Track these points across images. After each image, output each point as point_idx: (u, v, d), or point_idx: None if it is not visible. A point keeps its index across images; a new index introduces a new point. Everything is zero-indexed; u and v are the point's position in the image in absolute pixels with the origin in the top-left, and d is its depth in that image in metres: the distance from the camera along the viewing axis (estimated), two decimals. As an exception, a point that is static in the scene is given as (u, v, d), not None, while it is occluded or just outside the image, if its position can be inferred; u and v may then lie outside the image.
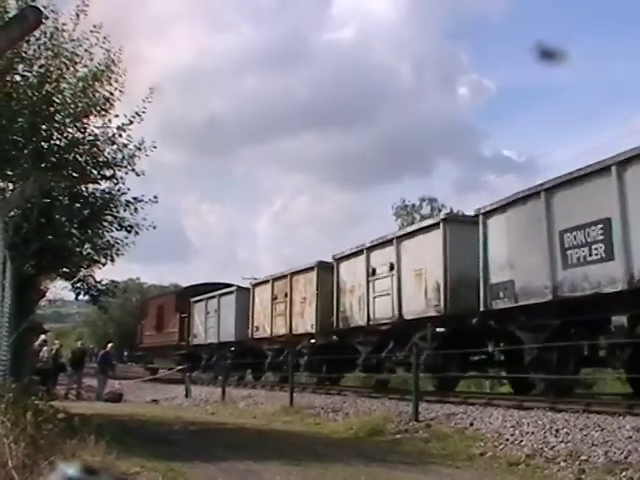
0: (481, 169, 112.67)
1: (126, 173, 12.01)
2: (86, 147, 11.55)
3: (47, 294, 15.01)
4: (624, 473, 7.12)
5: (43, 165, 10.86)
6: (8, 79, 10.72)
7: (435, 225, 14.66)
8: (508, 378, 14.97)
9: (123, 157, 11.84)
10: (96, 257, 12.67)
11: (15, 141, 10.72)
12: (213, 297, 26.76)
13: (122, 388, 23.54)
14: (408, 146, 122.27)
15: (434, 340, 14.17)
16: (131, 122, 11.66)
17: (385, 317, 15.97)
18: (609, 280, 10.24)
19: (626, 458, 7.53)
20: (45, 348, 21.28)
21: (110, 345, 24.17)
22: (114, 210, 12.18)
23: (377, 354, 16.19)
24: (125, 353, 48.17)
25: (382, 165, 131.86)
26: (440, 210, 35.73)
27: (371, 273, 16.59)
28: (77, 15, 11.18)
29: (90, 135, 11.61)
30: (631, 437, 8.05)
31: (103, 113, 11.50)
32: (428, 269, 14.51)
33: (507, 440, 9.25)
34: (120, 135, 11.68)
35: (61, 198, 11.61)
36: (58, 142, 11.30)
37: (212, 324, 26.63)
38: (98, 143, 11.64)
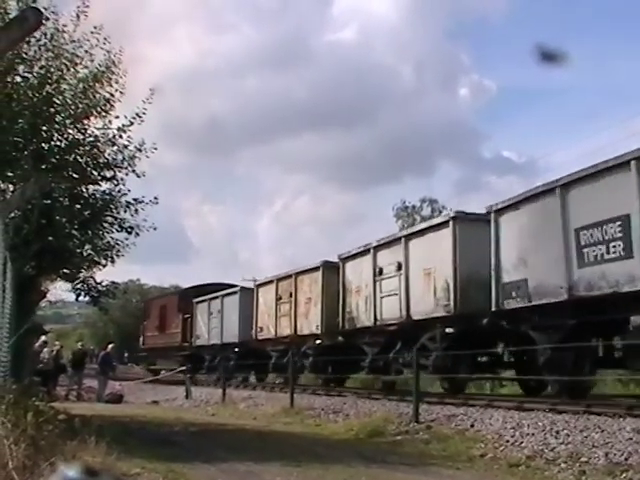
0: (482, 170, 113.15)
1: (127, 174, 12.03)
2: (87, 148, 11.56)
3: (48, 295, 14.98)
4: (624, 475, 7.12)
5: (43, 166, 10.86)
6: (9, 80, 10.72)
7: (445, 223, 14.35)
8: (520, 379, 14.62)
9: (124, 158, 11.85)
10: (96, 258, 12.69)
11: (15, 142, 10.72)
12: (216, 297, 26.57)
13: (123, 389, 23.51)
14: (409, 146, 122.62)
15: (443, 341, 13.90)
16: (132, 123, 11.67)
17: (392, 317, 15.70)
18: (628, 279, 9.91)
19: (626, 460, 7.53)
20: (46, 349, 21.27)
21: (111, 346, 24.15)
22: (114, 211, 12.18)
23: (384, 355, 15.93)
24: (125, 354, 48.21)
25: (383, 165, 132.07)
26: (440, 211, 35.65)
27: (378, 273, 16.32)
28: (77, 16, 11.20)
29: (91, 136, 11.61)
30: (631, 439, 8.04)
31: (104, 114, 11.51)
32: (437, 268, 14.22)
33: (507, 441, 9.25)
34: (121, 136, 11.69)
35: (61, 199, 11.62)
36: (58, 143, 11.30)
37: (215, 325, 26.46)
38: (99, 144, 11.64)
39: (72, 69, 11.18)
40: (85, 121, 11.44)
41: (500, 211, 12.76)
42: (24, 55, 10.73)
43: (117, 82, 11.54)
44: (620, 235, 10.05)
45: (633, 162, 9.87)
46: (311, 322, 19.48)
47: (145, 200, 12.29)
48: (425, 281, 14.60)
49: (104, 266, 12.90)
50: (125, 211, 12.18)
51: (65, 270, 12.96)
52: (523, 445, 8.95)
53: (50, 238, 11.32)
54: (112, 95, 11.50)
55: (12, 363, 8.47)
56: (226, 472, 7.67)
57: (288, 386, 16.88)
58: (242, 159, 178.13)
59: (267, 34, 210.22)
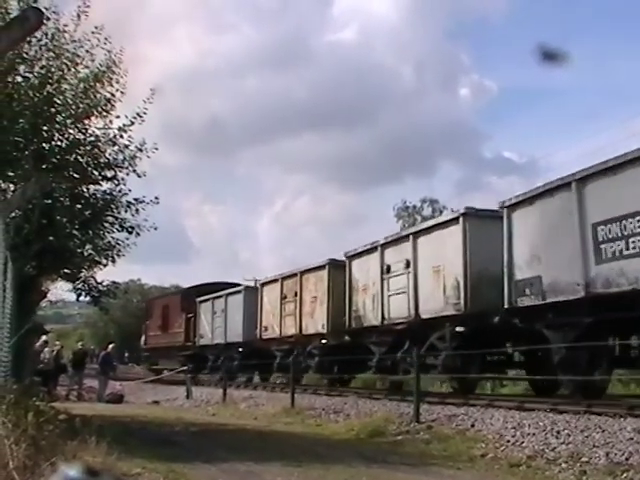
0: (482, 170, 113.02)
1: (127, 174, 12.06)
2: (87, 148, 11.58)
3: (48, 295, 15.00)
4: (625, 475, 7.11)
5: (44, 166, 10.87)
6: (9, 80, 10.74)
7: (454, 220, 13.97)
8: (533, 379, 14.21)
9: (124, 158, 11.87)
10: (97, 258, 12.71)
11: (16, 142, 10.73)
12: (220, 297, 26.33)
13: (123, 389, 23.53)
14: (409, 147, 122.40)
15: (453, 340, 13.60)
16: (132, 123, 11.69)
17: (400, 316, 15.36)
18: None
19: (627, 460, 7.52)
20: (46, 349, 21.28)
21: (111, 346, 24.17)
22: (115, 211, 12.20)
23: (392, 354, 15.59)
24: (126, 354, 48.25)
25: (383, 166, 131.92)
26: (441, 211, 35.63)
27: (385, 271, 15.96)
28: (78, 16, 11.23)
29: (91, 136, 11.63)
30: (632, 439, 8.03)
31: (104, 114, 11.53)
32: (447, 265, 13.85)
33: (508, 441, 9.24)
34: (121, 136, 11.72)
35: (62, 199, 11.63)
36: (59, 143, 11.32)
37: (219, 324, 26.22)
38: (99, 144, 11.66)
39: (73, 69, 11.20)
40: (86, 121, 11.46)
41: (513, 206, 12.40)
42: (25, 55, 10.75)
43: (118, 82, 11.57)
44: None
45: None
46: (317, 321, 19.23)
47: (146, 200, 12.34)
48: (434, 279, 14.28)
49: (105, 266, 12.94)
50: (126, 211, 12.21)
51: (66, 270, 12.98)
52: (524, 445, 8.94)
53: (51, 238, 11.34)
54: (113, 95, 11.53)
55: (13, 363, 8.48)
56: (227, 472, 7.67)
57: (289, 386, 16.83)
58: (242, 159, 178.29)
59: (267, 34, 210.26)
